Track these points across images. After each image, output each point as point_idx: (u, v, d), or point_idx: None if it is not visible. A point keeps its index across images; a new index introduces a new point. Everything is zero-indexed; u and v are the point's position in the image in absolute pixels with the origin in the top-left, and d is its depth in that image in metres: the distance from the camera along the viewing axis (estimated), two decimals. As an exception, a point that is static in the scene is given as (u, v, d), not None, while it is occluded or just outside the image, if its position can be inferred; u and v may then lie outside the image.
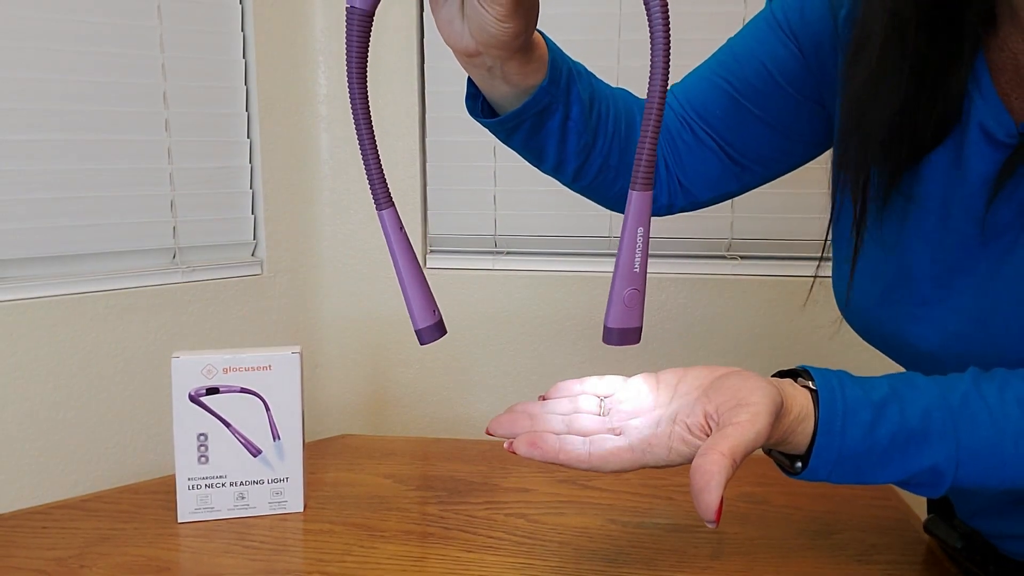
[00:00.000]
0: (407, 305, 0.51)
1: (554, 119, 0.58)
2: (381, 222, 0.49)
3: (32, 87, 0.96)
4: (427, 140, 1.22)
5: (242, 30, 1.12)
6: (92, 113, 1.00)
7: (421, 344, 0.51)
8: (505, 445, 0.52)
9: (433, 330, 0.51)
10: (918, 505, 0.78)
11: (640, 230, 0.45)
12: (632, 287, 0.46)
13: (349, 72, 0.46)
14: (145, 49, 1.03)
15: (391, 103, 1.19)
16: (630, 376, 0.57)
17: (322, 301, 1.24)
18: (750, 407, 0.48)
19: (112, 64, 1.01)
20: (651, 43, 0.42)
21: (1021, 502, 0.59)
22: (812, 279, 0.67)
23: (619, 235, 0.46)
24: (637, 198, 0.45)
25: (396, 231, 0.50)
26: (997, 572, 0.65)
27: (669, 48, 0.42)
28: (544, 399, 0.57)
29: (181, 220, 1.09)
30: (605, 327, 0.48)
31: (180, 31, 1.06)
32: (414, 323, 0.51)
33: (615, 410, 0.55)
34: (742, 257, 1.19)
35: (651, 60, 0.43)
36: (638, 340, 0.48)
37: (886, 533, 0.74)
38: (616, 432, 0.52)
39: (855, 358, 0.75)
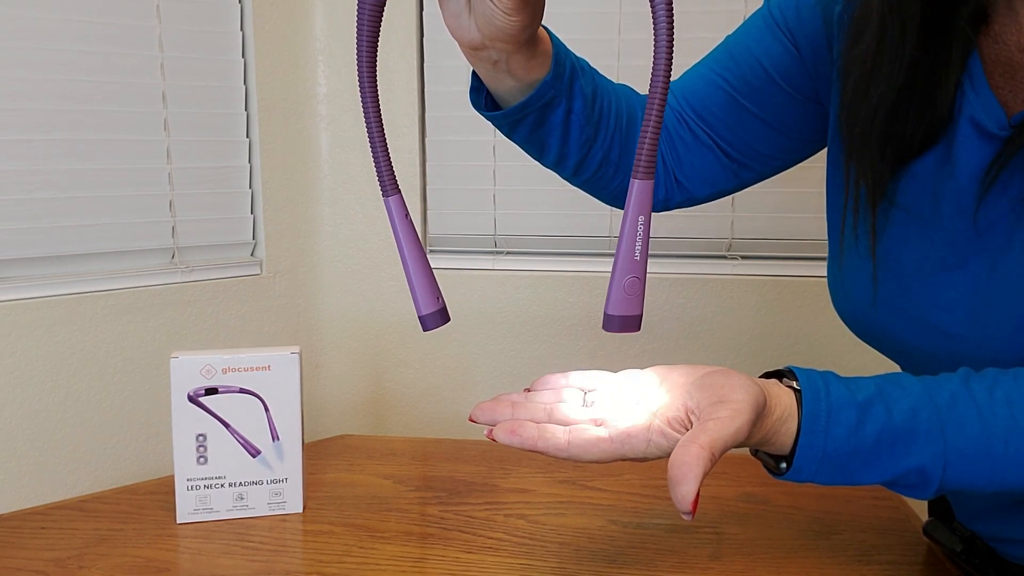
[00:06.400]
0: (411, 291, 0.51)
1: (557, 113, 0.58)
2: (387, 208, 0.49)
3: (32, 87, 0.96)
4: (427, 140, 1.22)
5: (241, 29, 1.12)
6: (91, 113, 1.00)
7: (424, 330, 0.51)
8: (485, 432, 0.52)
9: (436, 316, 0.51)
10: (919, 506, 0.78)
11: (641, 218, 0.45)
12: (632, 275, 0.46)
13: (359, 56, 0.46)
14: (144, 49, 1.03)
15: (391, 103, 1.19)
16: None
17: (322, 301, 1.24)
18: (731, 404, 0.48)
19: (112, 64, 1.01)
20: (654, 31, 0.42)
21: (1022, 504, 0.59)
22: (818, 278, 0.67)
23: (620, 226, 0.46)
24: (638, 187, 0.45)
25: (402, 218, 0.50)
26: (997, 576, 0.65)
27: (672, 36, 0.42)
28: (529, 391, 0.57)
29: (180, 220, 1.09)
30: (605, 314, 0.47)
31: (179, 31, 1.06)
32: (417, 309, 0.51)
33: (598, 403, 0.55)
34: (742, 257, 1.19)
35: (654, 47, 0.42)
36: (638, 328, 0.48)
37: (887, 534, 0.74)
38: (597, 423, 0.52)
39: (856, 359, 0.74)
